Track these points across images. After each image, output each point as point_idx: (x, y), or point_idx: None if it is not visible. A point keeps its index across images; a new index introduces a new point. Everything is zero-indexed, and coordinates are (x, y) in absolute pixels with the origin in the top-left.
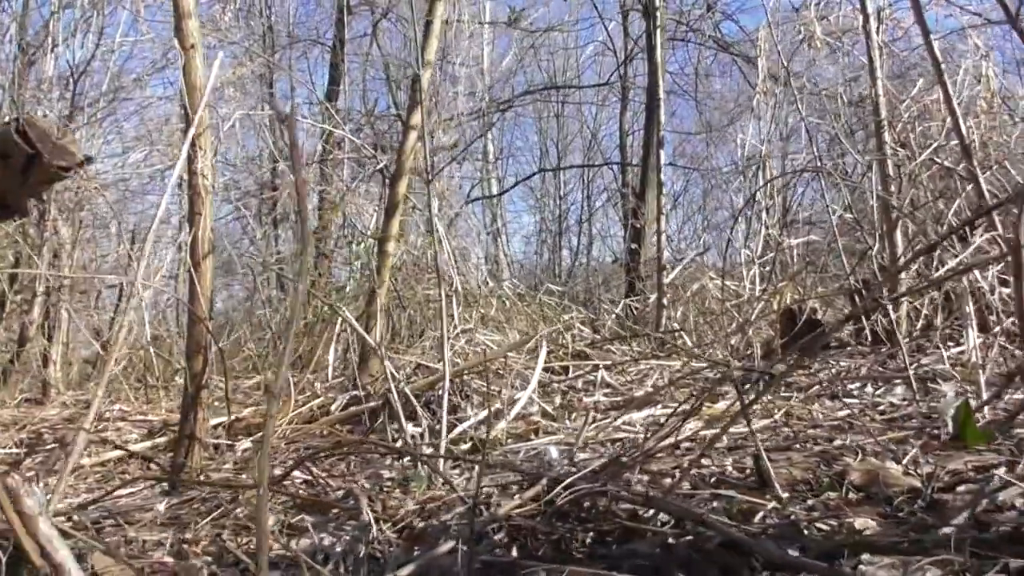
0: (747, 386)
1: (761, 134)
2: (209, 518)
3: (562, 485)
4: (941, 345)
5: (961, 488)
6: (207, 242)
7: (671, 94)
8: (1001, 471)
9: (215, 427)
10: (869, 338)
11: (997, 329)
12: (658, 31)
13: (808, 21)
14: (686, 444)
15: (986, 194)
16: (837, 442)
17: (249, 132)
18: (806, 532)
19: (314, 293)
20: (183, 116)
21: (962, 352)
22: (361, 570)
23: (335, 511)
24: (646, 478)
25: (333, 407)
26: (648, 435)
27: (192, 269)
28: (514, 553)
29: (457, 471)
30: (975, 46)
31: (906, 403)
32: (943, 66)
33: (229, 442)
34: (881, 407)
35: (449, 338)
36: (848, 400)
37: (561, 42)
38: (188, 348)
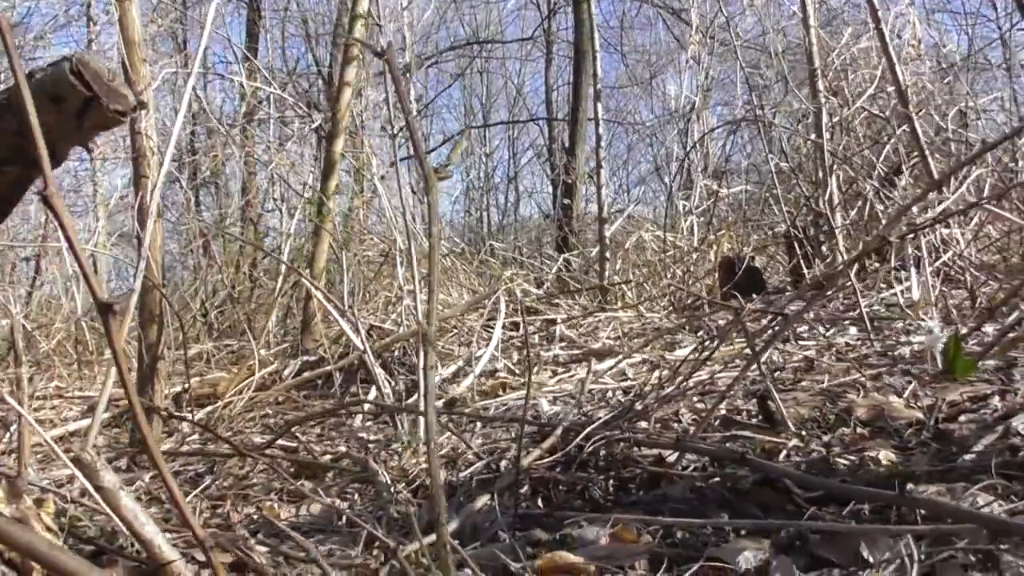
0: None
1: (692, 86)
2: (198, 490)
3: (583, 435)
4: (889, 284)
5: (963, 418)
6: (155, 205)
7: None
8: (996, 400)
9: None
10: (808, 283)
11: (937, 265)
12: None
13: None
14: (690, 391)
15: (920, 136)
16: (835, 381)
17: (162, 94)
18: (834, 467)
19: (278, 258)
20: (120, 72)
21: (894, 294)
22: (393, 532)
23: (330, 475)
24: (657, 425)
25: (286, 372)
26: (661, 381)
27: (140, 234)
28: (540, 505)
29: (438, 429)
30: None
31: (860, 342)
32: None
33: (182, 415)
34: (837, 347)
35: (394, 300)
36: (803, 343)
37: None
38: (141, 317)
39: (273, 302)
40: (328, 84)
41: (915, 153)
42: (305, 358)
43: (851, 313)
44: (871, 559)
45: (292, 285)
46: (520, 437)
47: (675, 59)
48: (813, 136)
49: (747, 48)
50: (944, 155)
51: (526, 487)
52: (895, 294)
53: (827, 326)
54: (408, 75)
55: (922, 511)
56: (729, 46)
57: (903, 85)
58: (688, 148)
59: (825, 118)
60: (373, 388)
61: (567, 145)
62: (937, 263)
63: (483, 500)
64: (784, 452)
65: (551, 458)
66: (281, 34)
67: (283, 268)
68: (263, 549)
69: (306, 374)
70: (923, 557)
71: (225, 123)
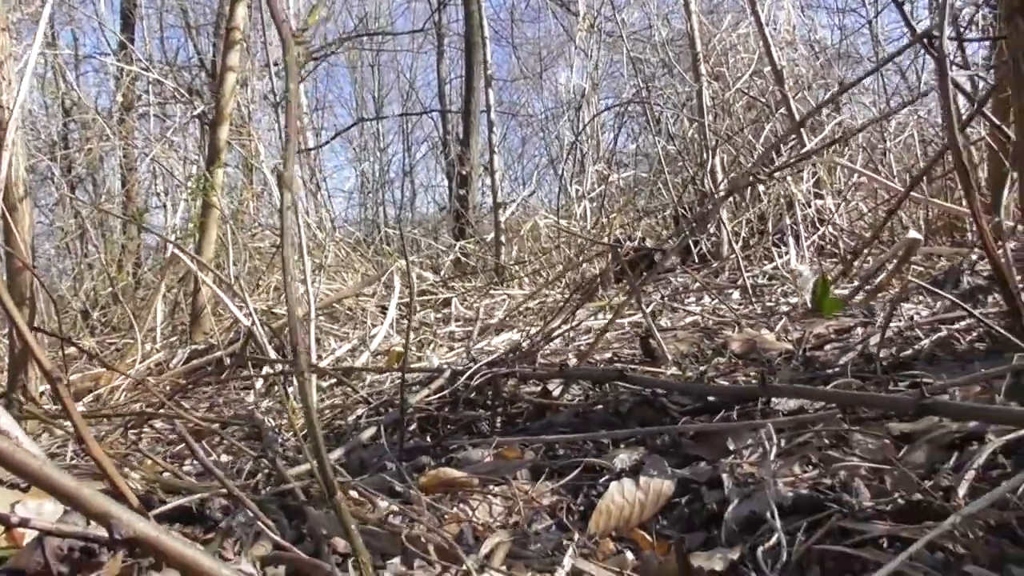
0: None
1: (582, 75)
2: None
3: (468, 374)
4: (771, 258)
5: (828, 347)
6: (21, 183)
7: (488, 40)
8: (858, 330)
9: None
10: (696, 260)
11: (815, 238)
12: None
13: None
14: (572, 336)
15: (796, 114)
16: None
17: (26, 87)
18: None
19: (163, 238)
20: None
21: (776, 267)
22: (274, 474)
23: (218, 438)
24: (544, 364)
25: (173, 362)
26: (546, 322)
27: (7, 214)
28: (428, 441)
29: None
30: None
31: (742, 306)
32: None
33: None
34: (722, 311)
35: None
36: (690, 309)
37: None
38: (8, 316)
39: (157, 288)
40: (211, 75)
41: (792, 135)
42: (193, 347)
43: (736, 284)
44: (733, 448)
45: (180, 278)
46: (403, 372)
47: (565, 51)
48: (697, 118)
49: (633, 38)
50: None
51: (414, 426)
52: (776, 267)
53: (713, 295)
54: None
55: (782, 405)
56: (616, 35)
57: (778, 66)
58: (578, 132)
59: (708, 100)
60: (265, 369)
61: (461, 137)
62: (815, 236)
63: (369, 432)
64: (663, 379)
65: (437, 396)
66: (159, 24)
67: (168, 257)
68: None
69: (195, 362)
70: (783, 443)
71: (102, 115)
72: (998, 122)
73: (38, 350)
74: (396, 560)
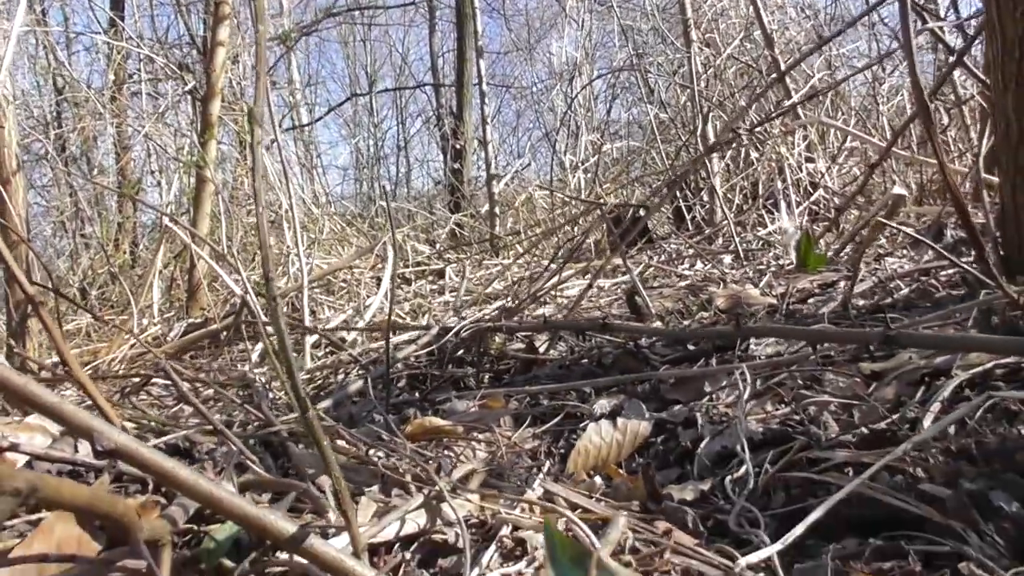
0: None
1: (573, 45)
2: None
3: (456, 329)
4: (764, 224)
5: (811, 300)
6: (14, 158)
7: (480, 12)
8: (841, 284)
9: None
10: (690, 227)
11: (808, 203)
12: None
13: None
14: (560, 299)
15: (785, 77)
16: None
17: (20, 68)
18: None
19: (159, 211)
20: None
21: (769, 233)
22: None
23: (213, 401)
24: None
25: (171, 335)
26: (531, 278)
27: (1, 187)
28: (417, 396)
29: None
30: None
31: (734, 269)
32: None
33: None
34: (715, 275)
35: (282, 261)
36: (685, 273)
37: None
38: (7, 274)
39: (153, 263)
40: (202, 53)
41: (786, 101)
42: (190, 321)
43: (728, 250)
44: (710, 390)
45: (176, 255)
46: (388, 328)
47: (557, 22)
48: (688, 84)
49: (625, 7)
50: (813, 104)
51: (403, 382)
52: (769, 233)
53: (706, 261)
54: (288, 43)
55: (760, 351)
56: (607, 3)
57: (768, 29)
58: (570, 100)
59: (699, 67)
60: (260, 344)
61: (455, 110)
62: (808, 202)
63: (357, 385)
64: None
65: (426, 353)
66: (149, 2)
67: (163, 230)
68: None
69: (192, 335)
70: (758, 384)
71: (94, 95)
72: (980, 74)
73: (29, 288)
74: (375, 488)
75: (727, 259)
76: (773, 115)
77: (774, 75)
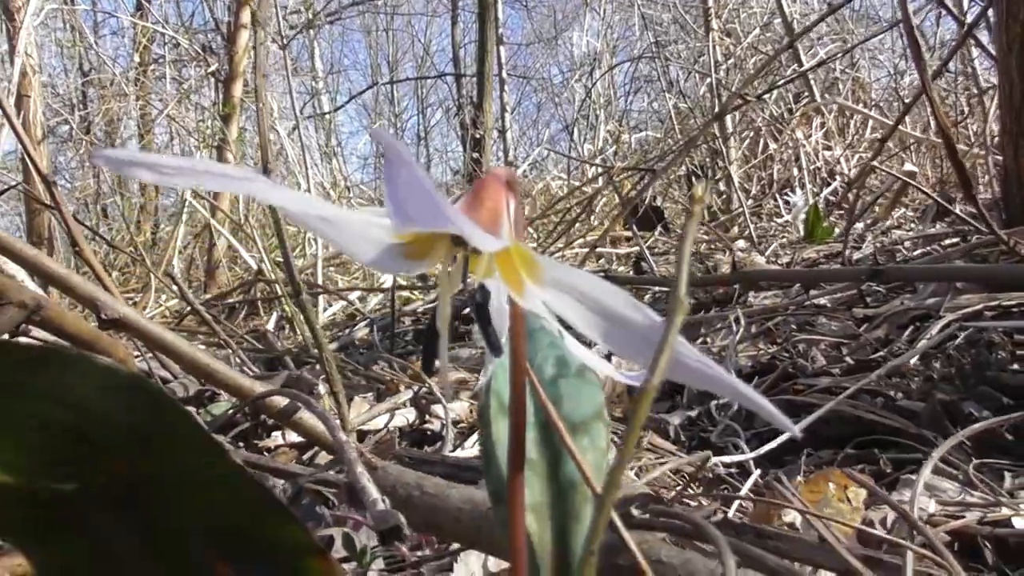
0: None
1: (594, 35)
2: None
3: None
4: (778, 214)
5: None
6: (39, 126)
7: (503, 3)
8: (847, 253)
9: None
10: (705, 215)
11: (826, 192)
12: None
13: None
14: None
15: (804, 61)
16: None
17: (46, 49)
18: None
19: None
20: None
21: (787, 222)
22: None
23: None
24: None
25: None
26: (542, 242)
27: (25, 155)
28: (421, 347)
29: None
30: None
31: (744, 254)
32: None
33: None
34: (721, 245)
35: (300, 243)
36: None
37: None
38: (29, 240)
39: (173, 236)
40: (225, 38)
41: (806, 93)
42: (206, 297)
43: (743, 236)
44: (704, 333)
45: (196, 235)
46: (393, 288)
47: (579, 14)
48: (709, 74)
49: (647, 0)
50: (832, 94)
51: (409, 336)
52: (786, 222)
53: (724, 251)
54: (312, 31)
55: (758, 302)
56: None
57: (789, 18)
58: (590, 88)
59: (719, 56)
60: (275, 314)
61: (475, 100)
62: (826, 191)
63: (362, 332)
64: (649, 294)
65: (432, 305)
66: None
67: (184, 213)
68: None
69: (213, 311)
70: (753, 329)
71: (120, 75)
72: (987, 46)
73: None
74: (370, 395)
75: (741, 243)
76: (782, 81)
77: (787, 41)
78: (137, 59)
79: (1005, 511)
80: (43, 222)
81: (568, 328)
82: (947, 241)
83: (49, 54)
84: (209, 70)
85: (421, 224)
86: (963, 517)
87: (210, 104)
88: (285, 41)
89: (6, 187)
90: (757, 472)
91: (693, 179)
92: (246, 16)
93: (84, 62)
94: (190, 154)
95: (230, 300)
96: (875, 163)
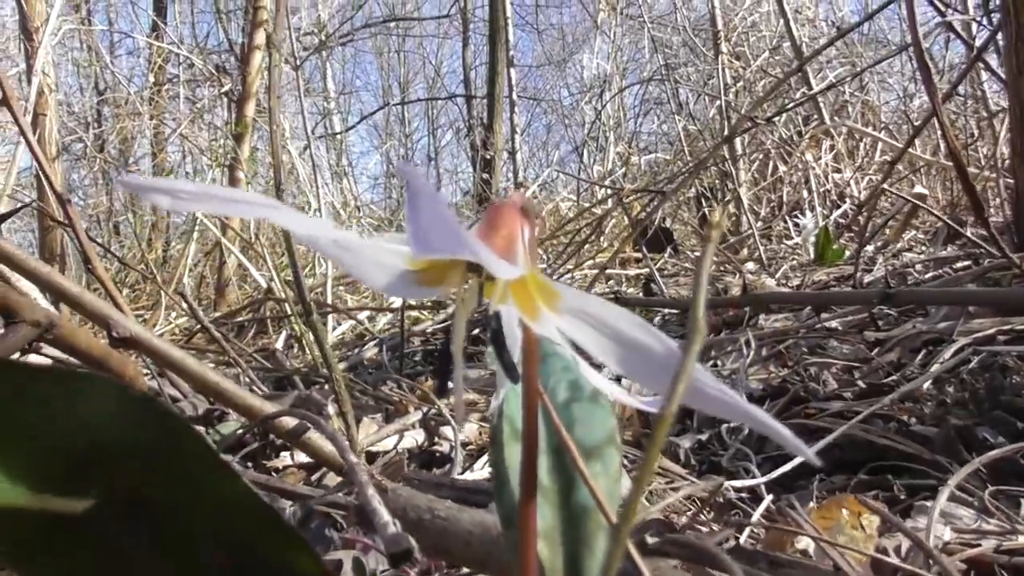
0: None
1: (603, 58)
2: None
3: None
4: (788, 236)
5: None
6: (54, 144)
7: (513, 26)
8: (859, 274)
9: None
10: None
11: (836, 215)
12: None
13: None
14: (574, 285)
15: (813, 84)
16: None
17: (63, 68)
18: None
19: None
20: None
21: (796, 244)
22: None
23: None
24: None
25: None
26: (550, 263)
27: (40, 173)
28: (430, 368)
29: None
30: None
31: (754, 276)
32: None
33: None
34: (731, 267)
35: (310, 263)
36: (710, 287)
37: None
38: (41, 256)
39: (183, 254)
40: (239, 59)
41: (815, 116)
42: (215, 314)
43: (753, 258)
44: (715, 355)
45: (207, 253)
46: (403, 308)
47: (589, 37)
48: (719, 96)
49: (657, 22)
50: (841, 116)
51: (418, 356)
52: (796, 244)
53: (734, 273)
54: (325, 52)
55: (769, 325)
56: (639, 18)
57: (798, 42)
58: (599, 109)
59: (728, 79)
60: (284, 333)
61: (486, 121)
62: (836, 214)
63: (372, 352)
64: (659, 316)
65: (442, 327)
66: (191, 9)
67: (195, 231)
68: None
69: (223, 329)
70: (763, 351)
71: (134, 94)
72: (996, 70)
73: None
74: (378, 416)
75: (751, 265)
76: (792, 104)
77: (796, 64)
78: (152, 78)
79: (1022, 539)
80: (56, 239)
81: (581, 353)
82: (959, 264)
83: (65, 73)
84: (222, 90)
85: (441, 253)
86: (979, 545)
87: (223, 124)
88: (298, 62)
89: (21, 205)
90: (769, 498)
91: (702, 201)
92: (260, 38)
93: (100, 81)
94: (202, 172)
95: (239, 318)
96: (885, 185)
